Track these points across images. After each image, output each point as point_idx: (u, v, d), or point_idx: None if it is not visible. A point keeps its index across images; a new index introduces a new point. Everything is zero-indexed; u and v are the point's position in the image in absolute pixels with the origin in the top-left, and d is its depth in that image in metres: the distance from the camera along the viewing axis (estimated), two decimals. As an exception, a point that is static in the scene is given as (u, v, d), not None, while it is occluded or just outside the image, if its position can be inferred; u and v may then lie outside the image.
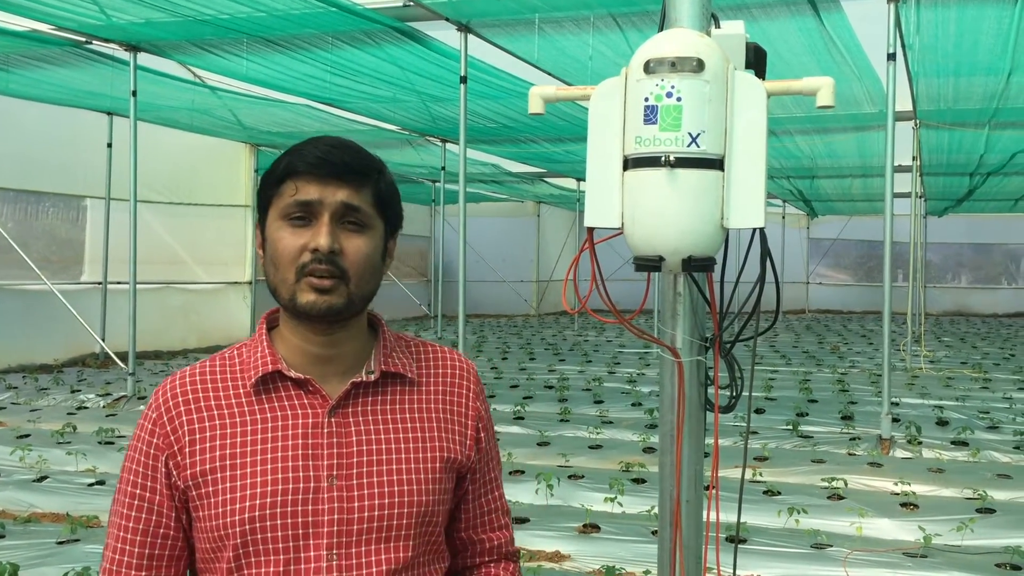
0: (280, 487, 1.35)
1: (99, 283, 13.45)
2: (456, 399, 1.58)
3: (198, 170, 14.93)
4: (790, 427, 8.47)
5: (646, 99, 1.54)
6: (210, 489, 1.34)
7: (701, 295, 1.72)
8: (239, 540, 1.33)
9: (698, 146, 1.53)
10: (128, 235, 9.76)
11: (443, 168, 15.23)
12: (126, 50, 9.20)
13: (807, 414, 9.10)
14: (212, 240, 15.33)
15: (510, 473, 6.87)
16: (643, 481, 6.64)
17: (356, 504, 1.38)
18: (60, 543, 5.12)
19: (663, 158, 1.53)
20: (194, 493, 1.36)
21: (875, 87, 10.01)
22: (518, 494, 6.40)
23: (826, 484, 6.36)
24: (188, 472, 1.36)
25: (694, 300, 1.73)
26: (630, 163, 1.58)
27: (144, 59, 9.50)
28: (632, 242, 1.60)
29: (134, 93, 9.31)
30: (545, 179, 19.10)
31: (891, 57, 7.50)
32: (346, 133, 12.80)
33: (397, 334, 1.58)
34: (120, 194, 12.14)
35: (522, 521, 5.75)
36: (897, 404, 9.34)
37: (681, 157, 1.52)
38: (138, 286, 9.84)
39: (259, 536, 1.33)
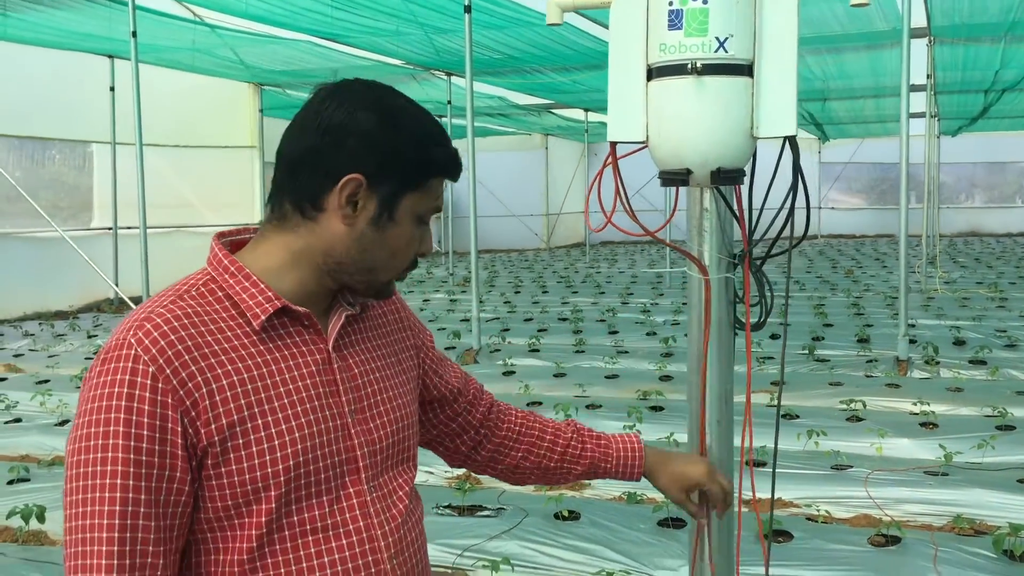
0: (316, 428, 1.30)
1: (109, 228, 13.43)
2: (394, 313, 1.55)
3: (202, 112, 14.79)
4: (806, 351, 8.46)
5: (670, 3, 1.47)
6: (241, 441, 1.24)
7: (729, 209, 1.67)
8: (283, 489, 1.26)
9: (726, 51, 1.46)
10: (135, 179, 9.70)
11: (449, 102, 15.04)
12: (123, -11, 9.04)
13: (823, 338, 9.08)
14: (220, 182, 15.26)
15: (527, 405, 6.89)
16: (660, 409, 6.65)
17: (376, 434, 1.37)
18: (85, 485, 5.18)
19: (689, 65, 1.46)
20: (220, 449, 1.24)
21: (888, 2, 9.78)
22: (537, 425, 6.42)
23: (844, 406, 6.35)
24: (213, 427, 1.23)
25: (722, 215, 1.68)
26: (654, 72, 1.52)
27: (142, -1, 9.34)
28: (658, 155, 1.54)
29: (134, 34, 9.16)
30: (552, 110, 18.86)
31: (906, -30, 7.30)
32: (349, 69, 12.64)
33: None
34: (125, 138, 12.04)
35: (542, 451, 5.77)
36: (913, 325, 9.30)
37: (708, 63, 1.46)
38: (148, 231, 9.80)
39: (303, 481, 1.28)
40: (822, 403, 6.70)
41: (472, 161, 8.69)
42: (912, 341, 8.14)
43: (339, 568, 1.30)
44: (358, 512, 1.33)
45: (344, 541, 1.31)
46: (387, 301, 1.52)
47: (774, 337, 9.31)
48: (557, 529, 4.43)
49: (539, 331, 10.07)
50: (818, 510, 4.64)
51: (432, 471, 5.59)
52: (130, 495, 1.19)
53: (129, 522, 1.19)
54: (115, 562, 1.19)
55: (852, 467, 5.14)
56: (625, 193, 1.60)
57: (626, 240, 25.33)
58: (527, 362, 8.74)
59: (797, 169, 1.53)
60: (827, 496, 4.83)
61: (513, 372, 8.21)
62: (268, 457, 1.25)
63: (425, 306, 12.98)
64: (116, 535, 1.19)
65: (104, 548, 1.18)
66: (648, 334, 9.81)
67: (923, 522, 4.54)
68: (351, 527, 1.32)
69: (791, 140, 1.55)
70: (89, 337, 10.50)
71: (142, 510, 1.20)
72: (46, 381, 8.04)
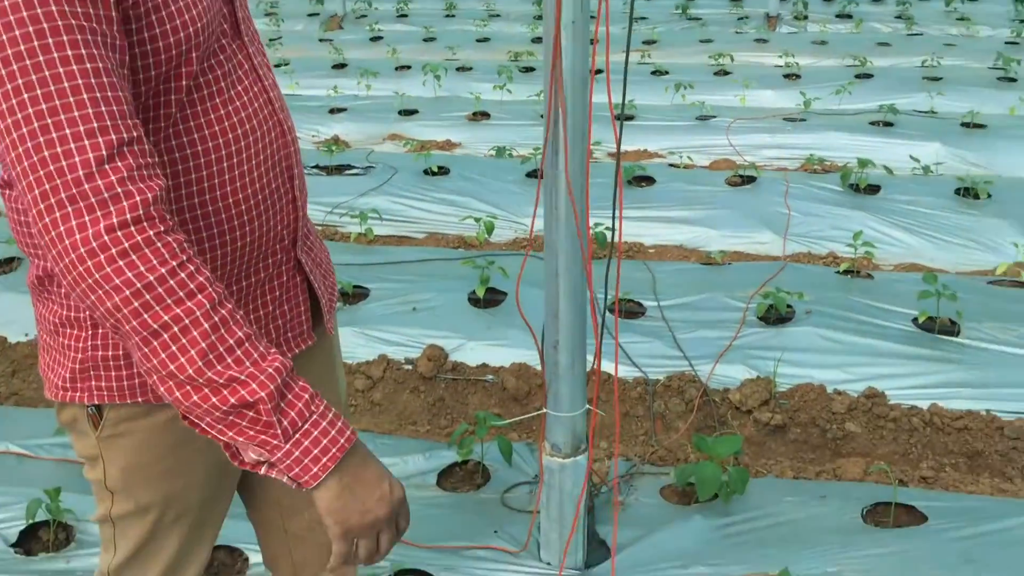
0: None
1: None
2: None
3: None
4: (679, 11, 8.34)
5: None
6: (160, 1, 1.14)
7: None
8: (202, 50, 1.21)
9: None
10: None
11: None
12: None
13: (696, -2, 8.94)
14: None
15: (396, 69, 6.68)
16: (532, 69, 6.56)
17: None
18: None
19: None
20: (143, 10, 1.12)
21: None
22: (405, 88, 6.26)
23: (713, 61, 6.38)
24: None
25: None
26: None
27: None
28: None
29: None
30: None
31: None
32: None
33: None
34: None
35: (411, 113, 5.67)
36: (786, -17, 9.22)
37: None
38: None
39: (213, 41, 1.24)
40: (692, 60, 6.71)
41: None
42: (783, -2, 8.11)
43: (244, 113, 1.30)
44: (247, 67, 1.33)
45: (246, 97, 1.30)
46: None
47: (648, -3, 9.13)
48: (427, 184, 4.44)
49: (408, -5, 9.60)
50: (681, 157, 4.76)
51: (299, 135, 5.45)
52: (87, 66, 1.03)
53: (100, 95, 1.04)
54: (97, 125, 1.02)
55: (716, 117, 5.23)
56: None
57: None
58: (395, 27, 8.40)
59: None
60: (691, 145, 4.95)
61: (381, 38, 7.89)
62: (188, 16, 1.18)
63: (285, -27, 12.13)
64: (91, 104, 1.02)
65: (88, 111, 1.02)
66: (521, -2, 9.48)
67: (779, 165, 4.73)
68: (248, 82, 1.32)
69: None
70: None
71: (105, 80, 1.04)
72: None
